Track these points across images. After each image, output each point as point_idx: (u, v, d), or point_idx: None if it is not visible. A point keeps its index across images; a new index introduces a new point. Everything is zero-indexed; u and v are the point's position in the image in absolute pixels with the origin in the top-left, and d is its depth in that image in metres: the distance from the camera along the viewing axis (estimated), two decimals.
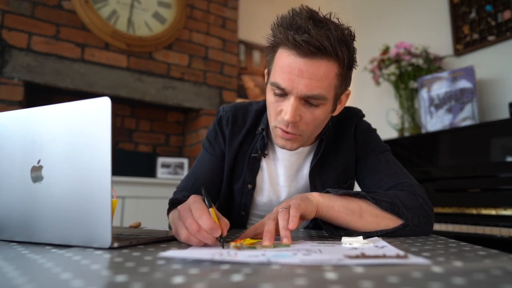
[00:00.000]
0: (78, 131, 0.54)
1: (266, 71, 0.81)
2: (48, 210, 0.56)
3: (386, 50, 2.26)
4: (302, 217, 0.63)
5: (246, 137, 0.91)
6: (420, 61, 2.12)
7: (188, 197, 0.63)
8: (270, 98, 0.76)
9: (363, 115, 0.95)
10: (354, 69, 0.77)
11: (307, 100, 0.72)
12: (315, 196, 0.68)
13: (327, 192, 0.71)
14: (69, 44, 2.24)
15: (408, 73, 2.17)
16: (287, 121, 0.72)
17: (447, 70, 2.03)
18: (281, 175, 0.90)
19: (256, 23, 3.27)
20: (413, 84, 2.16)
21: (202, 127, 2.64)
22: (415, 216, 0.70)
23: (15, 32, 2.09)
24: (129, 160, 2.48)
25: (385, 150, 0.89)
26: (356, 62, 0.76)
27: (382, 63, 2.25)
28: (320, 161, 0.87)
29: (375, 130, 0.94)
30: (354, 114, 0.93)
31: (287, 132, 0.75)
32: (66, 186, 0.54)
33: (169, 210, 0.84)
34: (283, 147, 0.79)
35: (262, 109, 0.93)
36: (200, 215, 0.54)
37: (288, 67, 0.70)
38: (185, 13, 2.65)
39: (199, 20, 2.76)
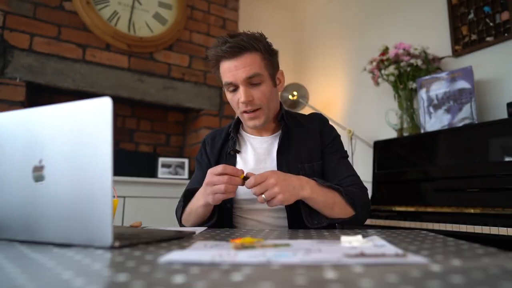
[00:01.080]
0: (79, 131, 0.55)
1: (222, 84, 1.02)
2: (49, 209, 0.56)
3: (385, 51, 2.26)
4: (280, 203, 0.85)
5: (223, 146, 1.12)
6: (419, 62, 2.12)
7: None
8: (229, 96, 1.01)
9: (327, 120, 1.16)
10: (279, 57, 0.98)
11: (250, 82, 0.97)
12: (308, 189, 0.88)
13: (314, 180, 0.91)
14: (71, 45, 2.24)
15: (407, 74, 2.17)
16: (244, 102, 0.96)
17: (445, 71, 2.03)
18: (252, 160, 1.07)
19: (256, 24, 3.27)
20: (412, 85, 2.16)
21: (203, 127, 2.64)
22: (363, 210, 0.95)
23: (17, 33, 2.09)
24: (130, 160, 2.48)
25: (347, 155, 1.10)
26: (274, 51, 1.01)
27: (381, 64, 2.25)
28: (285, 145, 1.05)
29: (339, 135, 1.13)
30: (316, 113, 1.15)
31: (250, 112, 0.98)
32: (68, 185, 0.55)
33: (185, 202, 1.01)
34: (254, 126, 1.02)
35: (231, 123, 1.15)
36: (223, 167, 0.83)
37: (227, 68, 0.97)
38: (185, 14, 2.66)
39: (199, 21, 2.77)
